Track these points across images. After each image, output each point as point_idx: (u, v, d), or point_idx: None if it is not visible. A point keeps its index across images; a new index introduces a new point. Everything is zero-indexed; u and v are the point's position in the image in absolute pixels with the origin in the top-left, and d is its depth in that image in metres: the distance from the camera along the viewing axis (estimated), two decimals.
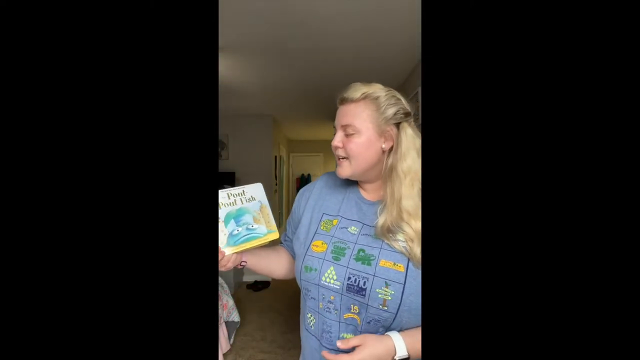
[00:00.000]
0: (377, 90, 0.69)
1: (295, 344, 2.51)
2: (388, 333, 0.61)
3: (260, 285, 3.82)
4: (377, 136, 0.68)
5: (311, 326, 0.70)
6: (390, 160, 0.68)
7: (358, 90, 0.68)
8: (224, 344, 2.25)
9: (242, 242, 0.68)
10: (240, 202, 0.71)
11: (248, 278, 4.10)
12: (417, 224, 0.62)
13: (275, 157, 4.57)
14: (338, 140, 0.69)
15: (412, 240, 0.62)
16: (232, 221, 0.69)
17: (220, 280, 2.49)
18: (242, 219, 0.70)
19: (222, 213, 0.68)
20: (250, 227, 0.70)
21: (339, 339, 0.64)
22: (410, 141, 0.67)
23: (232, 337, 2.44)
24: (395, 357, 0.58)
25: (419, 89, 2.24)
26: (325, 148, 6.60)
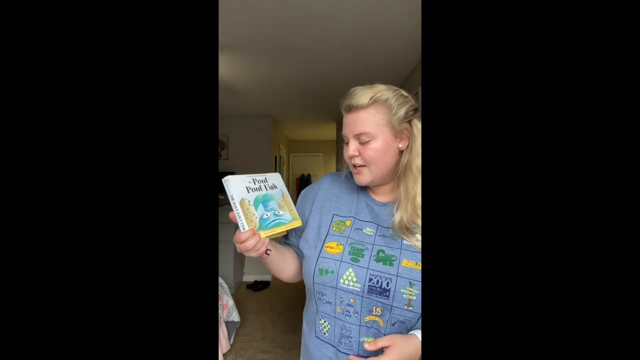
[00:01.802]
0: (384, 91, 0.66)
1: (295, 344, 2.50)
2: (413, 332, 0.60)
3: (260, 285, 3.82)
4: (393, 138, 0.66)
5: (324, 333, 0.67)
6: (405, 159, 0.67)
7: (364, 95, 0.65)
8: (224, 344, 2.25)
9: (272, 226, 0.66)
10: (264, 188, 0.70)
11: (248, 278, 4.10)
12: None
13: (275, 157, 4.57)
14: (353, 149, 0.67)
15: None
16: (261, 205, 0.67)
17: (220, 280, 2.49)
18: (269, 204, 0.69)
19: (250, 197, 0.66)
20: (277, 212, 0.69)
21: (359, 343, 0.63)
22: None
23: (232, 337, 2.44)
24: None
25: (419, 89, 2.24)
26: (325, 148, 6.60)
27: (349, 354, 0.64)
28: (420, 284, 0.60)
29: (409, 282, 0.61)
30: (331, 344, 0.66)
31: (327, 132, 5.40)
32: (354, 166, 0.69)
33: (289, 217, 0.70)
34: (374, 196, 0.73)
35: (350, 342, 0.64)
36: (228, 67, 2.51)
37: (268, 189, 0.70)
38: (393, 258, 0.63)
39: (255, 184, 0.68)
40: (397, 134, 0.66)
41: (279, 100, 3.52)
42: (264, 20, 1.82)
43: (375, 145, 0.65)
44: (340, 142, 4.70)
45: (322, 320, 0.68)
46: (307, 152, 6.72)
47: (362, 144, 0.66)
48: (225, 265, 3.55)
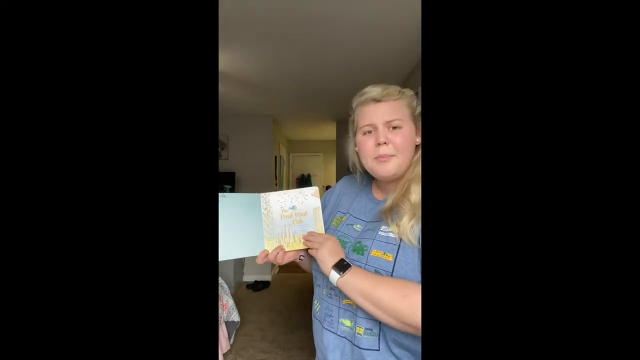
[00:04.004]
0: (405, 89, 0.72)
1: (295, 344, 2.51)
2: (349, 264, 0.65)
3: (260, 285, 3.82)
4: (414, 131, 0.71)
5: (317, 311, 0.75)
6: (417, 156, 0.71)
7: (391, 89, 0.70)
8: (224, 344, 2.25)
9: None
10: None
11: (248, 278, 4.10)
12: (415, 197, 0.65)
13: (275, 157, 4.57)
14: (383, 137, 0.68)
15: (404, 212, 0.65)
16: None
17: (220, 280, 2.49)
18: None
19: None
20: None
21: (338, 323, 0.69)
22: None
23: (232, 337, 2.44)
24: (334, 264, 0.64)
25: (419, 89, 2.24)
26: (325, 148, 6.59)
27: (330, 331, 0.71)
28: (384, 272, 0.63)
29: (375, 270, 0.64)
30: (320, 321, 0.74)
31: (327, 132, 5.39)
32: (380, 156, 0.69)
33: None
34: (375, 193, 0.78)
35: (332, 320, 0.71)
36: (228, 67, 2.51)
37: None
38: (365, 248, 0.68)
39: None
40: (417, 129, 0.71)
41: (279, 100, 3.52)
42: (264, 21, 1.82)
43: (405, 132, 0.69)
44: (340, 142, 4.68)
45: (316, 301, 0.76)
46: (307, 152, 6.72)
47: (394, 128, 0.69)
48: (225, 265, 3.55)
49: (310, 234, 0.71)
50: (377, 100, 0.70)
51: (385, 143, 0.68)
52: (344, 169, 4.51)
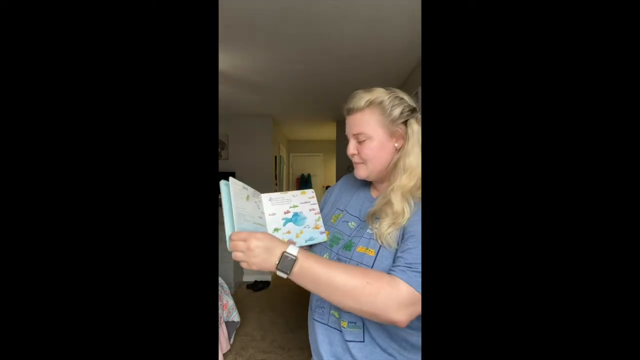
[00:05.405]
0: (380, 94, 0.72)
1: (295, 344, 2.51)
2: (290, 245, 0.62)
3: (260, 285, 3.81)
4: (388, 137, 0.72)
5: (312, 303, 0.78)
6: (396, 157, 0.72)
7: (362, 99, 0.71)
8: (224, 344, 2.25)
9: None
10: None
11: (248, 278, 4.10)
12: (396, 207, 0.67)
13: (275, 157, 4.57)
14: (352, 148, 0.74)
15: (384, 219, 0.67)
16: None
17: (220, 280, 2.49)
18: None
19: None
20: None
21: (329, 314, 0.73)
22: (416, 138, 0.71)
23: (232, 337, 2.44)
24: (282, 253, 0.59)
25: (419, 89, 2.24)
26: (325, 148, 6.59)
27: (320, 322, 0.74)
28: (365, 266, 0.66)
29: (357, 264, 0.67)
30: (312, 312, 0.77)
31: (327, 132, 5.39)
32: (354, 162, 0.76)
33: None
34: (373, 192, 0.80)
35: (323, 312, 0.74)
36: (228, 67, 2.51)
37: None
38: (352, 244, 0.71)
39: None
40: (392, 134, 0.72)
41: (279, 100, 3.52)
42: (264, 21, 1.82)
43: (371, 144, 0.72)
44: (340, 142, 4.69)
45: (311, 294, 0.78)
46: (307, 152, 6.71)
47: (360, 142, 0.73)
48: (225, 265, 3.55)
49: (232, 238, 0.59)
50: (348, 112, 0.74)
51: (354, 154, 0.74)
52: (344, 169, 4.51)
